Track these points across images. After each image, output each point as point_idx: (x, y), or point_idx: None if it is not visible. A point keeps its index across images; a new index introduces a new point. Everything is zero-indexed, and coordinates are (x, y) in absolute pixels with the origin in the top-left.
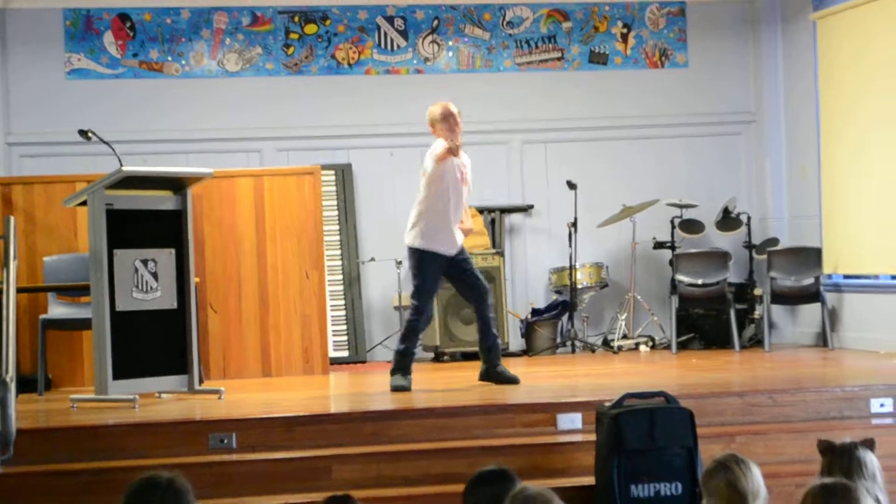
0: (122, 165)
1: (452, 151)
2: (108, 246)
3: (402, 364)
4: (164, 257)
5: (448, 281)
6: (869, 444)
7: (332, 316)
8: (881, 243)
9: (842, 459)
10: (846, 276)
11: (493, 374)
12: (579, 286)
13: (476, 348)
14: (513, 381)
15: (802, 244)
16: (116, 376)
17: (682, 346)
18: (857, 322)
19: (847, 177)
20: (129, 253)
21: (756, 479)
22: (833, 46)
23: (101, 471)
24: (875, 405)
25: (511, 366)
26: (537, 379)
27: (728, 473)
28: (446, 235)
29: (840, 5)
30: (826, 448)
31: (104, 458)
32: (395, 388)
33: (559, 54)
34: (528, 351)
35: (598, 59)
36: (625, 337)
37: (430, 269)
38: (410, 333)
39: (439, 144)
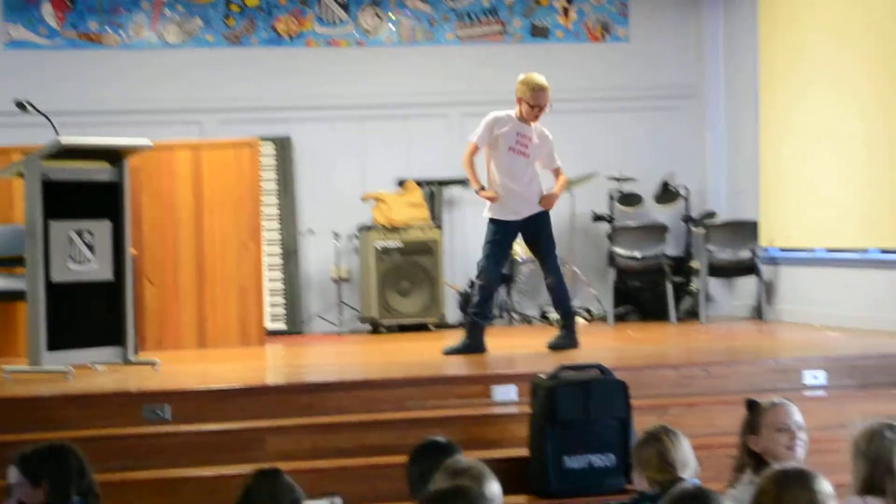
0: (59, 136)
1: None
2: (43, 217)
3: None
4: (101, 229)
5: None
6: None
7: (270, 288)
8: (817, 217)
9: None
10: (782, 250)
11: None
12: (517, 259)
13: (414, 321)
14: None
15: (740, 218)
16: (51, 347)
17: (619, 318)
18: (793, 295)
19: (784, 151)
20: (65, 224)
21: (685, 449)
22: (774, 22)
23: (35, 442)
24: (808, 377)
25: (448, 337)
26: None
27: (658, 444)
28: (508, 203)
29: None
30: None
31: (37, 429)
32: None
33: (501, 27)
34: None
35: (539, 33)
36: None
37: (495, 235)
38: (477, 298)
39: (487, 119)
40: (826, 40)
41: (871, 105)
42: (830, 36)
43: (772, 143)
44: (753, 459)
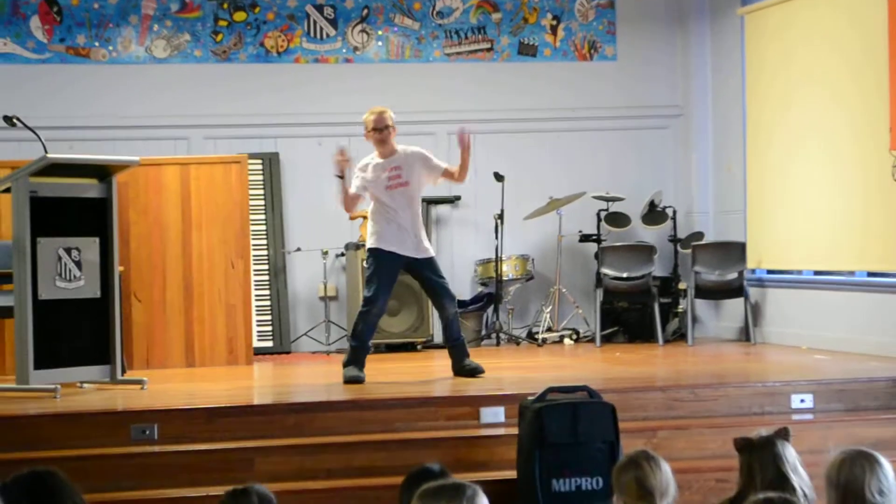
0: (46, 152)
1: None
2: (31, 234)
3: (351, 356)
4: (89, 246)
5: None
6: (783, 434)
7: (257, 306)
8: (804, 239)
9: (763, 454)
10: (770, 272)
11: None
12: (505, 278)
13: (401, 340)
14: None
15: (727, 239)
16: (38, 366)
17: (607, 339)
18: (780, 317)
19: (772, 172)
20: (52, 241)
21: (665, 476)
22: (760, 42)
23: (22, 461)
24: (795, 401)
25: (436, 358)
26: None
27: (637, 470)
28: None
29: (768, 1)
30: (744, 445)
31: (24, 448)
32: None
33: (489, 45)
34: None
35: (527, 51)
36: (549, 330)
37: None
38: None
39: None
40: (813, 59)
41: (860, 126)
42: (818, 55)
43: (758, 164)
44: None
